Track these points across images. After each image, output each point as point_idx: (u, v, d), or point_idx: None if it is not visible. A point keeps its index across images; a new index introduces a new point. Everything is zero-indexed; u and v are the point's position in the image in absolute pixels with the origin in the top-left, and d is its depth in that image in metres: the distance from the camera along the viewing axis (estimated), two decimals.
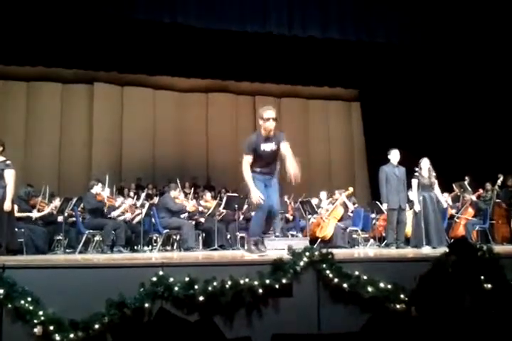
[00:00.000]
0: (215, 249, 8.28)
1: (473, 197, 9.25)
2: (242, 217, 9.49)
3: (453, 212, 9.24)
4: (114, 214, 8.18)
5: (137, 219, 8.78)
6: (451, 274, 4.03)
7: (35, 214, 7.99)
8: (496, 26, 9.80)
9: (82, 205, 8.34)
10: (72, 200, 8.27)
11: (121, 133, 13.14)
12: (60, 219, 8.28)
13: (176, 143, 13.49)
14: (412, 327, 3.87)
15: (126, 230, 8.02)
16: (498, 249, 4.85)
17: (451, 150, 11.16)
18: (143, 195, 9.36)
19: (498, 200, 9.46)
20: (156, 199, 9.47)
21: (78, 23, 9.82)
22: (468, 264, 4.05)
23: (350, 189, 9.56)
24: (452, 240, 7.60)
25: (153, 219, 8.40)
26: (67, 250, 8.09)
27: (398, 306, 3.92)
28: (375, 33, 9.92)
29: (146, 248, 8.53)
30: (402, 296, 3.95)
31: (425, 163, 7.64)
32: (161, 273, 3.83)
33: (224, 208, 9.10)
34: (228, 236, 9.04)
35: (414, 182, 7.60)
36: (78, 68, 11.79)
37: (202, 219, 9.00)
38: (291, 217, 10.10)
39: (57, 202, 8.61)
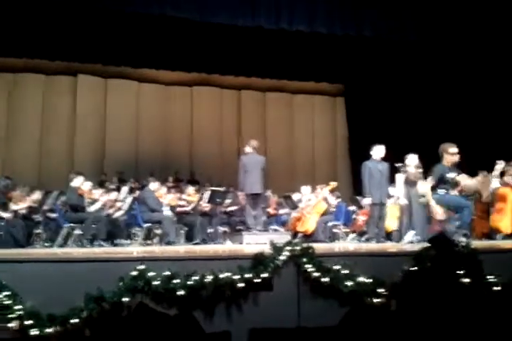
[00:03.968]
0: (197, 243, 8.26)
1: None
2: (224, 211, 9.50)
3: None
4: (93, 208, 8.05)
5: (118, 213, 8.71)
6: (430, 269, 4.07)
7: (13, 207, 7.89)
8: (485, 19, 9.81)
9: (62, 199, 8.24)
10: (53, 193, 8.18)
11: (104, 126, 13.00)
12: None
13: (160, 137, 13.40)
14: (390, 321, 3.90)
15: (106, 224, 7.96)
16: (477, 244, 4.91)
17: (435, 146, 11.18)
18: (125, 189, 9.28)
19: (478, 196, 9.54)
20: (138, 193, 9.39)
21: (63, 14, 9.66)
22: (447, 259, 4.09)
23: (333, 183, 9.57)
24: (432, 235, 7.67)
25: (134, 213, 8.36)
26: (47, 244, 8.00)
27: (377, 300, 3.94)
28: (362, 27, 9.89)
29: (126, 241, 8.47)
30: (381, 290, 3.97)
31: (412, 159, 7.69)
32: (141, 267, 3.80)
33: (207, 202, 9.08)
34: (210, 231, 9.02)
35: (400, 177, 7.65)
36: (62, 60, 11.62)
37: (188, 208, 8.95)
38: (273, 211, 10.10)
39: (37, 196, 8.51)
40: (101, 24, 10.12)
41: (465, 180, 6.19)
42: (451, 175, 6.03)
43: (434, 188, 6.05)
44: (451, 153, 6.10)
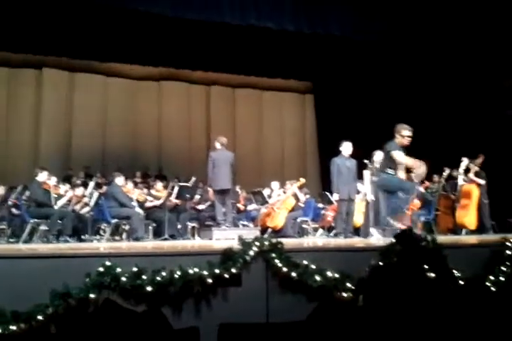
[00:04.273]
0: (166, 239, 8.22)
1: (421, 189, 9.48)
2: (193, 207, 9.47)
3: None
4: (59, 203, 7.91)
5: (85, 209, 8.58)
6: (396, 264, 4.13)
7: None
8: (448, 21, 10.01)
9: (27, 194, 8.08)
10: (17, 188, 8.02)
11: (70, 120, 12.76)
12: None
13: (127, 132, 13.24)
14: (357, 316, 3.95)
15: (73, 219, 7.84)
16: (442, 239, 5.01)
17: None
18: (92, 184, 9.14)
19: (443, 192, 9.75)
20: (105, 188, 9.27)
21: (27, 5, 9.45)
22: (413, 254, 4.16)
23: (302, 180, 9.65)
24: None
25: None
26: (11, 239, 7.85)
27: (345, 295, 3.99)
28: (330, 25, 9.97)
29: (94, 237, 8.36)
30: (349, 285, 4.01)
31: (379, 156, 7.79)
32: (107, 263, 3.75)
33: (176, 198, 9.03)
34: (179, 226, 8.98)
35: (367, 173, 7.77)
36: (26, 52, 11.36)
37: (158, 203, 8.87)
38: (242, 207, 10.11)
39: (0, 191, 8.32)
40: (66, 17, 9.92)
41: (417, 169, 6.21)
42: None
43: (382, 168, 6.19)
44: (402, 135, 6.18)
